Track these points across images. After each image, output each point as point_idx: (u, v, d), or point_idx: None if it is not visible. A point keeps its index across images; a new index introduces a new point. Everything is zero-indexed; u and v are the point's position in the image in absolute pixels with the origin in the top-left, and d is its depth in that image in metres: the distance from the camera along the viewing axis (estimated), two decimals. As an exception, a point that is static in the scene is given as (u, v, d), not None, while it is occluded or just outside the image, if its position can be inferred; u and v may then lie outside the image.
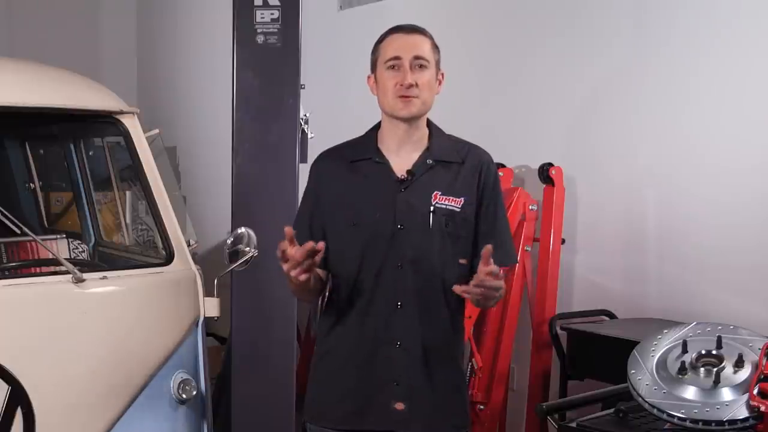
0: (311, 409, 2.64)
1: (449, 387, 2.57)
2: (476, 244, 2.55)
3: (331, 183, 2.59)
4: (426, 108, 2.54)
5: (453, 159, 2.56)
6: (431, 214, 2.49)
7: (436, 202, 2.50)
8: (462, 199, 2.52)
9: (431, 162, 2.54)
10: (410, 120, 2.52)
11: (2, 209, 2.96)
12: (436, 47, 2.54)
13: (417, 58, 2.48)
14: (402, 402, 2.51)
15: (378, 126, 2.61)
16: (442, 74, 2.57)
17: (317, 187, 2.62)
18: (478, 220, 2.55)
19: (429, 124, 2.60)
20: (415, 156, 2.55)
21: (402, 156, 2.55)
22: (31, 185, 4.45)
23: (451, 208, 2.51)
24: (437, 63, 2.54)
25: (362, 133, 2.67)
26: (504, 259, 2.61)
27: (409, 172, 2.53)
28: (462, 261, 2.54)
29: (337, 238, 2.56)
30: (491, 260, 2.29)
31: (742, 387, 2.51)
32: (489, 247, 2.29)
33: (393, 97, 2.49)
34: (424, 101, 2.51)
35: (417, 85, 2.47)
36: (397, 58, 2.48)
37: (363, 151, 2.59)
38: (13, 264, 3.51)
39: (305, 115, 3.80)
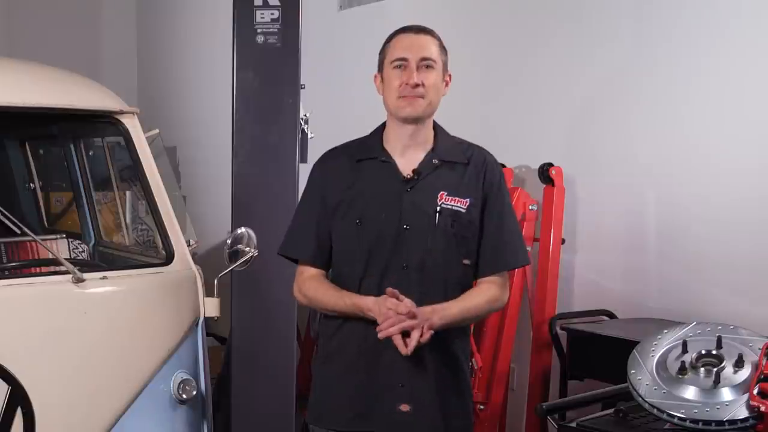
0: (315, 411, 2.64)
1: (454, 389, 2.57)
2: (480, 246, 2.55)
3: (337, 182, 2.58)
4: (432, 109, 2.53)
5: (458, 159, 2.56)
6: (437, 214, 2.49)
7: (442, 203, 2.50)
8: (467, 200, 2.52)
9: (437, 162, 2.54)
10: (415, 120, 2.52)
11: (2, 209, 2.96)
12: (443, 48, 2.54)
13: (424, 59, 2.48)
14: (407, 404, 2.50)
15: (383, 126, 2.61)
16: (449, 75, 2.57)
17: (323, 188, 2.61)
18: (484, 221, 2.54)
19: (434, 125, 2.60)
20: (420, 156, 2.55)
21: (407, 156, 2.55)
22: (31, 185, 4.45)
23: (456, 208, 2.50)
24: (444, 64, 2.54)
25: (363, 132, 2.67)
26: (508, 262, 2.60)
27: (415, 171, 2.52)
28: (465, 261, 2.54)
29: (343, 238, 2.55)
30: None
31: (742, 387, 2.51)
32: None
33: (398, 97, 2.49)
34: (430, 101, 2.50)
35: (423, 85, 2.47)
36: (403, 59, 2.48)
37: (369, 150, 2.58)
38: (13, 264, 3.51)
39: (305, 115, 3.81)
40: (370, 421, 2.52)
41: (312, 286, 2.60)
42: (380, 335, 2.40)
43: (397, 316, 2.37)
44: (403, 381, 2.50)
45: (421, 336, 2.39)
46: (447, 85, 2.56)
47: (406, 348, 2.39)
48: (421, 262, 2.48)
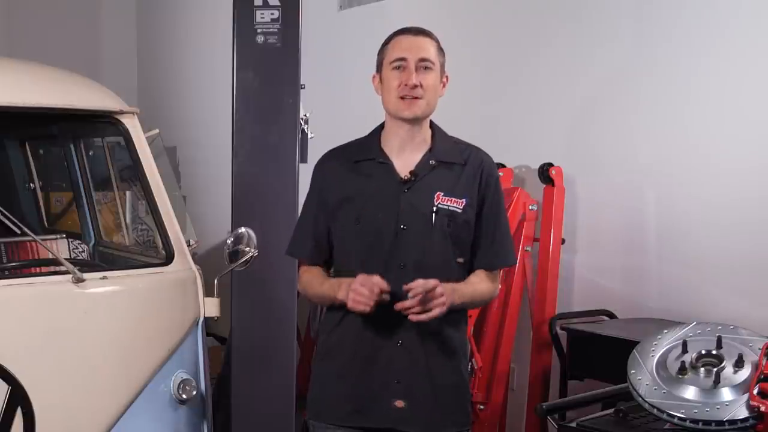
0: (314, 407, 2.66)
1: (450, 386, 2.59)
2: (476, 245, 2.57)
3: (335, 183, 2.61)
4: (430, 109, 2.56)
5: (455, 160, 2.59)
6: (433, 214, 2.51)
7: (439, 203, 2.52)
8: (464, 200, 2.54)
9: (434, 162, 2.56)
10: (413, 121, 2.55)
11: (2, 209, 2.96)
12: (441, 50, 2.58)
13: (422, 60, 2.51)
14: (402, 400, 2.52)
15: (382, 126, 2.63)
16: (447, 77, 2.60)
17: (322, 188, 2.64)
18: (479, 222, 2.57)
19: (432, 125, 2.63)
20: (417, 156, 2.57)
21: (404, 156, 2.57)
22: (31, 185, 4.45)
23: (452, 209, 2.53)
24: (442, 66, 2.57)
25: (362, 132, 2.68)
26: (503, 261, 2.63)
27: (412, 172, 2.55)
28: (459, 260, 2.57)
29: (341, 237, 2.58)
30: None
31: (742, 387, 2.51)
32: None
33: (397, 97, 2.52)
34: (428, 102, 2.53)
35: (421, 86, 2.50)
36: (402, 59, 2.51)
37: (367, 151, 2.61)
38: (13, 264, 3.51)
39: (305, 115, 3.80)
40: (366, 417, 2.55)
41: (304, 278, 2.68)
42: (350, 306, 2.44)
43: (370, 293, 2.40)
44: (399, 377, 2.53)
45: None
46: (444, 86, 2.60)
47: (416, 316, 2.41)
48: (418, 261, 2.50)
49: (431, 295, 2.38)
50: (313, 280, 2.63)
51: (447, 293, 2.42)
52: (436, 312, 2.40)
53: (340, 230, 2.58)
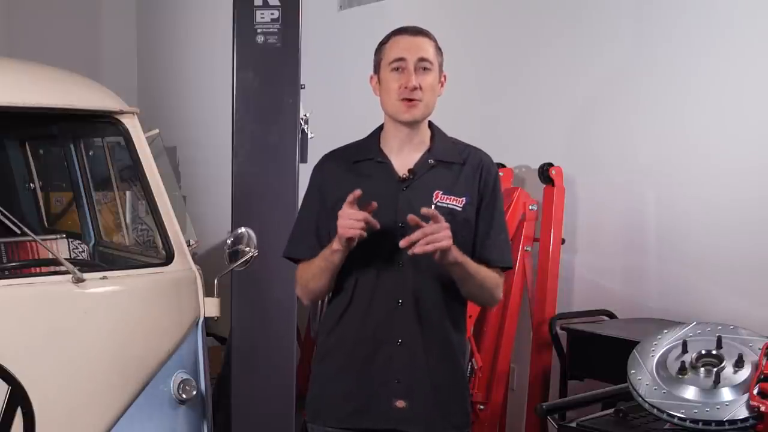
0: (313, 408, 2.65)
1: (449, 385, 2.58)
2: (473, 245, 2.56)
3: (335, 184, 2.60)
4: (428, 111, 2.56)
5: (454, 159, 2.58)
6: None
7: (438, 201, 2.52)
8: (463, 198, 2.54)
9: (432, 162, 2.56)
10: (412, 123, 2.54)
11: (2, 209, 2.97)
12: (439, 50, 2.57)
13: (421, 60, 2.50)
14: (403, 400, 2.52)
15: (381, 127, 2.63)
16: (445, 76, 2.59)
17: (321, 188, 2.63)
18: (477, 221, 2.57)
19: (431, 125, 2.62)
20: (416, 156, 2.57)
21: (404, 156, 2.57)
22: (31, 185, 4.45)
23: (452, 207, 2.52)
24: (440, 65, 2.56)
25: (362, 133, 2.68)
26: (498, 260, 2.62)
27: (410, 171, 2.55)
28: None
29: None
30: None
31: (742, 387, 2.51)
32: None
33: (396, 100, 2.51)
34: (427, 104, 2.53)
35: (420, 87, 2.49)
36: (401, 59, 2.50)
37: (366, 152, 2.61)
38: (13, 264, 3.51)
39: (305, 115, 3.81)
40: (367, 417, 2.54)
41: (299, 271, 2.63)
42: (340, 232, 2.39)
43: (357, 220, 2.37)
44: (399, 377, 2.52)
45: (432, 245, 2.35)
46: (442, 85, 2.59)
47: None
48: (416, 260, 2.48)
49: (434, 227, 2.34)
50: (308, 265, 2.59)
51: (447, 233, 2.36)
52: (444, 243, 2.34)
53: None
